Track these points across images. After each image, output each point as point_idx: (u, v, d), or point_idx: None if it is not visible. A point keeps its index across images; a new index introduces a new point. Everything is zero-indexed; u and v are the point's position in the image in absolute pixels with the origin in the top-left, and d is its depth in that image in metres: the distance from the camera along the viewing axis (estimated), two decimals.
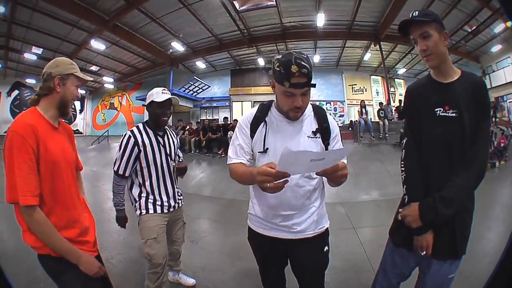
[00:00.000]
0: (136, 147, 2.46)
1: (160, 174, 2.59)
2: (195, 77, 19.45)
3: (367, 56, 17.90)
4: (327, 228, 1.93)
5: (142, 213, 2.53)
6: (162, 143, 2.60)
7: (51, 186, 1.57)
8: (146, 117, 10.51)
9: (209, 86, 19.94)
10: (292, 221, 1.76)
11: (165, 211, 2.59)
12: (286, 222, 1.77)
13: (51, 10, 12.35)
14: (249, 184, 1.76)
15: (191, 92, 20.74)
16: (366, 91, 20.23)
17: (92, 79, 1.85)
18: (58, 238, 1.53)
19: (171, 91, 19.16)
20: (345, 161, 1.65)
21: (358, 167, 8.30)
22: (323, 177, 1.68)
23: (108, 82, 23.22)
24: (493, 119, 14.73)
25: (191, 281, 3.08)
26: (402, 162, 1.81)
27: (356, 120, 12.72)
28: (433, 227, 1.65)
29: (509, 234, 1.37)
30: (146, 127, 2.59)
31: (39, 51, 16.70)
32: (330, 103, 20.10)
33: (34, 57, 17.34)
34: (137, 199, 2.57)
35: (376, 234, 3.92)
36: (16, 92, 21.58)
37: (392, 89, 19.20)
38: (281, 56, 1.58)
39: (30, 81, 21.44)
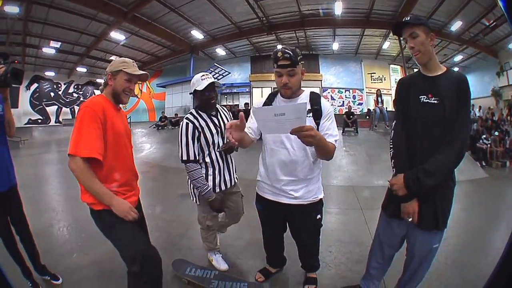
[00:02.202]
0: (196, 131, 2.62)
1: (217, 153, 2.77)
2: (215, 63, 19.48)
3: (386, 45, 17.69)
4: (321, 198, 2.36)
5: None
6: (217, 123, 2.76)
7: (116, 152, 2.03)
8: (167, 103, 15.84)
9: (229, 73, 19.94)
10: (290, 187, 2.24)
11: (223, 187, 2.81)
12: (285, 187, 2.25)
13: (67, 6, 12.57)
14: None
15: None
16: (385, 80, 20.00)
17: (142, 72, 2.13)
18: (96, 183, 1.88)
19: (191, 77, 19.24)
20: (333, 141, 2.04)
21: (372, 154, 8.60)
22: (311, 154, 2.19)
23: None
24: (509, 117, 14.57)
25: (224, 266, 3.12)
26: (391, 140, 2.13)
27: (373, 109, 12.79)
28: (418, 195, 1.94)
29: (509, 234, 1.44)
30: (199, 111, 2.74)
31: (57, 45, 17.09)
32: (349, 90, 20.14)
33: (53, 51, 17.84)
34: (207, 182, 2.73)
35: None
36: (35, 85, 22.29)
37: None
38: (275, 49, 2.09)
39: (50, 73, 22.32)
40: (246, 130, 2.12)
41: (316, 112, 2.13)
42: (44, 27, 14.65)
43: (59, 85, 23.80)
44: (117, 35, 16.19)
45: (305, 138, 1.56)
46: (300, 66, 2.08)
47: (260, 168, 2.44)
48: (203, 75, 2.65)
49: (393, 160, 2.09)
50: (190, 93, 2.80)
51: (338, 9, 13.04)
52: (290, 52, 2.00)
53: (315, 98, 2.18)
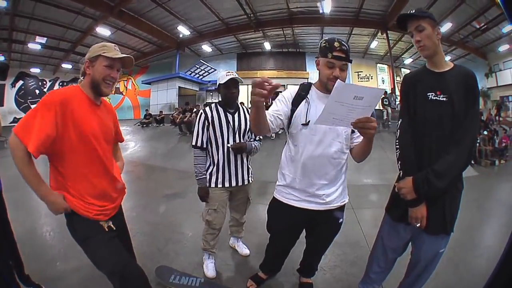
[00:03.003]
0: (206, 121, 2.75)
1: (225, 149, 2.78)
2: (201, 60, 19.45)
3: (373, 44, 17.78)
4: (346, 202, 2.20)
5: (211, 185, 2.81)
6: (231, 120, 2.78)
7: (84, 156, 1.76)
8: (152, 100, 15.00)
9: (215, 70, 19.83)
10: (323, 191, 2.06)
11: (227, 185, 2.82)
12: (319, 191, 2.06)
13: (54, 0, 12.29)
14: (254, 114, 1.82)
15: (197, 75, 20.73)
16: (371, 78, 20.10)
17: (124, 55, 1.82)
18: (33, 173, 1.63)
19: (177, 74, 19.63)
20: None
21: None
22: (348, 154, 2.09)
23: None
24: (497, 118, 14.83)
25: (245, 251, 3.33)
26: (397, 141, 1.98)
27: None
28: (426, 199, 1.81)
29: (509, 234, 1.41)
30: (218, 105, 2.83)
31: (43, 40, 16.70)
32: None
33: (39, 47, 17.44)
34: (205, 172, 2.84)
35: (373, 215, 4.12)
36: (20, 82, 21.73)
37: (398, 78, 19.07)
38: (327, 38, 1.95)
39: (35, 70, 21.75)
40: (268, 116, 1.92)
41: None
42: (31, 22, 14.32)
43: (44, 82, 23.19)
44: (103, 30, 15.87)
45: (369, 130, 1.56)
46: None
47: (285, 171, 2.19)
48: (228, 72, 2.74)
49: (399, 162, 1.95)
50: (215, 88, 2.86)
51: (327, 7, 12.97)
52: (347, 46, 1.90)
53: None
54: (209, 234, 2.92)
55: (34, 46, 17.20)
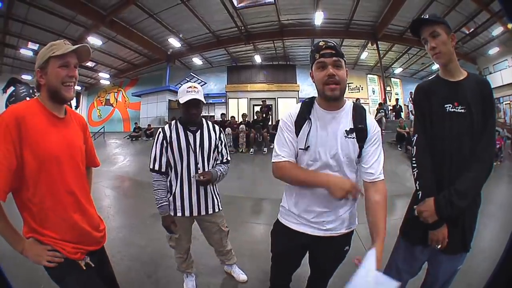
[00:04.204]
0: (164, 141, 2.48)
1: (185, 172, 2.50)
2: (191, 73, 19.27)
3: (364, 55, 17.91)
4: (354, 229, 1.94)
5: (170, 213, 2.54)
6: (191, 140, 2.50)
7: (46, 184, 1.46)
8: (142, 113, 14.39)
9: (206, 83, 19.62)
10: (323, 219, 1.80)
11: (187, 214, 2.54)
12: (317, 219, 1.80)
13: (47, 5, 12.18)
14: (305, 185, 1.74)
15: None
16: (362, 89, 20.18)
17: (77, 46, 1.48)
18: (4, 225, 1.41)
19: (167, 87, 19.51)
20: (382, 181, 1.70)
21: None
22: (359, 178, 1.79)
23: (104, 78, 23.12)
24: None
25: (243, 277, 3.10)
26: (414, 159, 1.84)
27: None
28: (449, 220, 1.70)
29: (509, 234, 1.38)
30: (178, 123, 2.55)
31: (35, 46, 16.44)
32: None
33: (30, 53, 17.17)
34: (166, 198, 2.55)
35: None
36: (11, 88, 21.34)
37: (388, 88, 19.23)
38: None
39: (26, 77, 21.28)
40: (288, 150, 1.76)
41: (361, 132, 1.70)
42: (24, 27, 14.20)
43: (35, 90, 22.80)
44: (94, 40, 15.72)
45: None
46: (344, 64, 1.70)
47: (285, 194, 1.98)
48: (189, 87, 2.44)
49: (418, 182, 1.81)
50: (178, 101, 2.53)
51: (318, 19, 13.04)
52: (334, 42, 1.67)
53: (360, 113, 1.75)
54: (178, 258, 2.80)
55: (26, 52, 17.02)
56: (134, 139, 15.94)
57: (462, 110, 1.67)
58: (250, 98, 19.66)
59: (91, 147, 1.89)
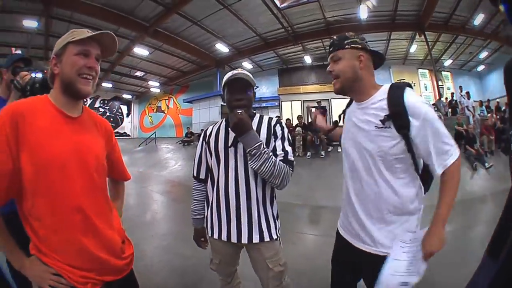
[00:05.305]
0: (203, 141, 1.98)
1: (222, 180, 1.81)
2: None
3: (413, 48, 16.97)
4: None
5: (207, 230, 1.96)
6: (231, 139, 1.82)
7: (49, 198, 1.20)
8: (194, 119, 13.83)
9: (257, 87, 19.59)
10: (364, 232, 1.54)
11: (224, 237, 1.81)
12: (361, 230, 1.56)
13: (86, 20, 12.62)
14: None
15: None
16: (414, 85, 19.19)
17: (95, 33, 1.26)
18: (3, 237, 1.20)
19: (218, 92, 19.30)
20: (450, 161, 1.37)
21: None
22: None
23: (154, 86, 23.92)
24: None
25: None
26: None
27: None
28: None
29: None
30: (224, 121, 1.95)
31: None
32: None
33: None
34: (202, 211, 2.07)
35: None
36: None
37: (440, 83, 18.26)
38: None
39: None
40: None
41: (398, 116, 1.38)
42: None
43: (85, 100, 24.40)
44: (140, 50, 16.21)
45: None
46: (352, 51, 1.50)
47: (343, 200, 1.72)
48: (231, 72, 1.88)
49: None
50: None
51: (364, 13, 12.73)
52: (335, 37, 1.59)
53: (395, 95, 1.42)
54: (221, 280, 2.10)
55: None
56: (186, 144, 16.12)
57: None
58: (303, 101, 19.39)
59: (118, 157, 1.62)
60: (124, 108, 27.29)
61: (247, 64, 19.42)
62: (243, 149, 1.74)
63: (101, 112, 25.33)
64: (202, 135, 1.99)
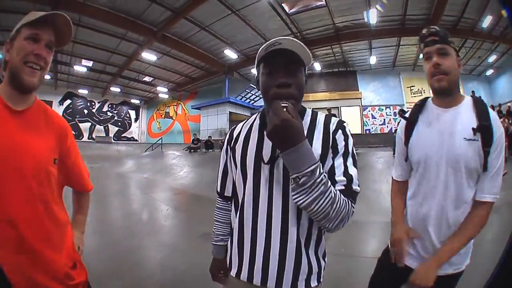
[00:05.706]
0: (228, 147, 1.34)
1: (248, 203, 1.17)
2: (251, 84, 18.91)
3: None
4: (463, 270, 1.48)
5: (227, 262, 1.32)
6: (268, 144, 1.16)
7: None
8: (202, 125, 13.14)
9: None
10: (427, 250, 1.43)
11: (244, 278, 1.17)
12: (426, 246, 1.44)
13: (95, 24, 12.67)
14: None
15: (248, 100, 20.52)
16: (424, 92, 18.77)
17: (47, 13, 1.04)
18: None
19: (226, 99, 19.59)
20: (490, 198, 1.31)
21: None
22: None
23: (162, 92, 24.02)
24: None
25: None
26: None
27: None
28: None
29: (509, 234, 1.14)
30: (260, 115, 1.30)
31: (89, 63, 17.55)
32: (389, 107, 19.09)
33: (84, 69, 18.41)
34: (224, 237, 1.41)
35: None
36: (68, 101, 23.61)
37: None
38: None
39: (83, 91, 23.57)
40: (399, 167, 1.62)
41: (487, 132, 1.28)
42: (74, 45, 14.98)
43: (93, 103, 24.90)
44: (148, 56, 16.24)
45: None
46: (454, 52, 1.38)
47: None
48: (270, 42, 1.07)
49: None
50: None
51: (373, 17, 12.53)
52: (437, 28, 1.39)
53: (482, 109, 1.34)
54: None
55: (80, 68, 18.12)
56: (192, 150, 15.90)
57: None
58: (312, 108, 19.27)
59: (76, 163, 1.32)
60: (132, 113, 27.45)
61: (256, 71, 19.26)
62: (284, 167, 1.09)
63: (109, 116, 25.62)
64: (227, 138, 1.36)
